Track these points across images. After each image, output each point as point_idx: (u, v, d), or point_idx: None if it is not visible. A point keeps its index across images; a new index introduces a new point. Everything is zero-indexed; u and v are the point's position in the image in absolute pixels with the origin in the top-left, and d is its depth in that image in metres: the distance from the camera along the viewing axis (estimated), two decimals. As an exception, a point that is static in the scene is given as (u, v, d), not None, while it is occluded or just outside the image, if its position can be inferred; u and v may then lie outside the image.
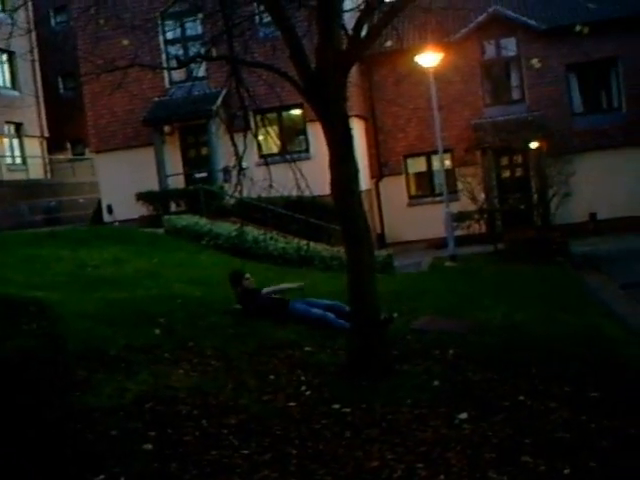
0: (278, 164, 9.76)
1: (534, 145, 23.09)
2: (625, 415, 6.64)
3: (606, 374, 8.01)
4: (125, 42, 13.34)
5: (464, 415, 6.56)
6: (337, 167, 7.74)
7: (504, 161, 25.11)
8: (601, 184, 22.83)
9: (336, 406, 6.72)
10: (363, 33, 8.00)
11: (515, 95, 25.59)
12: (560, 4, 24.06)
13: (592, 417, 6.59)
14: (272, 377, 7.58)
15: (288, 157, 10.45)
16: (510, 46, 25.27)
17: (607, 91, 25.43)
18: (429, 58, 19.86)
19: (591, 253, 19.90)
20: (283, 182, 9.93)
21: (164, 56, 23.23)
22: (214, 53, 11.36)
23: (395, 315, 9.67)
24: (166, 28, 23.29)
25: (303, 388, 7.26)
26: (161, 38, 23.18)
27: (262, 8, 10.71)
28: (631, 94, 24.41)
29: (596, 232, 23.35)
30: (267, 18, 15.40)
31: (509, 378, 7.68)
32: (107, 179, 23.99)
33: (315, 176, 9.68)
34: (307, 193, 9.27)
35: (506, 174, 25.09)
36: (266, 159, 9.65)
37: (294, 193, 9.96)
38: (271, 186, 9.10)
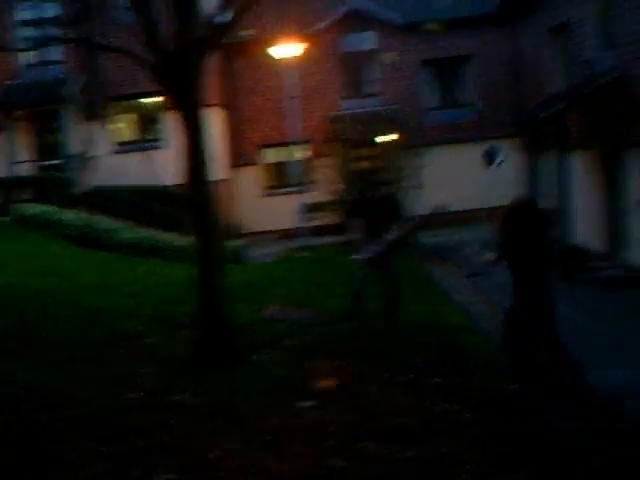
0: (134, 152, 9.55)
1: (389, 138, 23.54)
2: (463, 400, 6.92)
3: (448, 361, 8.31)
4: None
5: (309, 403, 6.64)
6: (191, 156, 7.67)
7: (359, 153, 25.50)
8: (454, 177, 23.51)
9: (181, 397, 6.66)
10: (222, 20, 7.94)
11: (372, 88, 25.98)
12: (416, 0, 24.62)
13: (433, 402, 6.82)
14: (117, 368, 7.44)
15: (143, 146, 10.24)
16: (368, 40, 25.62)
17: (461, 87, 26.22)
18: (288, 49, 19.91)
19: (440, 244, 20.51)
20: (138, 171, 9.74)
21: (18, 37, 22.21)
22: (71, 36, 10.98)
23: None
24: (21, 8, 22.34)
25: (148, 379, 7.15)
26: (14, 18, 22.21)
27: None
28: (484, 90, 25.25)
29: (447, 223, 24.05)
30: (126, 2, 15.12)
31: (355, 366, 7.83)
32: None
33: (172, 165, 9.53)
34: (160, 182, 9.13)
35: (361, 166, 25.49)
36: (121, 147, 9.44)
37: (148, 182, 9.79)
38: (125, 175, 8.90)
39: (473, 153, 23.46)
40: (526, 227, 7.23)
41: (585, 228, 15.62)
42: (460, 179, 23.15)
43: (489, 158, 15.52)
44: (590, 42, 15.07)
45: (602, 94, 13.68)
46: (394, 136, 23.55)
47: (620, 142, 13.81)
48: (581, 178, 15.60)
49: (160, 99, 21.44)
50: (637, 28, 12.64)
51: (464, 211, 22.10)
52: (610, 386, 7.82)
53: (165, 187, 10.25)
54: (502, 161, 13.26)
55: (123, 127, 21.00)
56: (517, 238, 7.21)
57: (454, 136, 24.59)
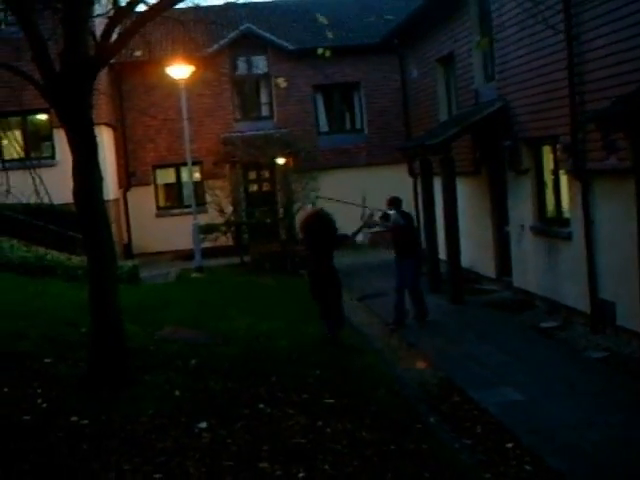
0: (20, 170, 9.33)
1: (281, 161, 23.72)
2: (356, 419, 7.06)
3: (342, 381, 8.46)
4: None
5: (204, 424, 6.64)
6: (80, 175, 7.56)
7: (252, 175, 25.60)
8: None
9: (74, 419, 6.54)
10: (112, 39, 7.89)
11: (264, 112, 26.22)
12: (306, 27, 25.00)
13: (327, 422, 6.93)
14: (6, 390, 7.24)
15: (28, 163, 10.00)
16: (260, 64, 25.86)
17: (351, 113, 26.76)
18: (180, 70, 19.86)
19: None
20: (24, 189, 9.52)
21: None
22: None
23: None
24: None
25: (39, 401, 6.99)
26: None
27: (4, 6, 10.26)
28: (372, 117, 25.88)
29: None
30: (11, 16, 14.76)
31: (250, 387, 7.88)
32: None
33: (61, 183, 9.35)
34: (47, 200, 8.94)
35: (254, 188, 25.60)
36: (4, 164, 9.21)
37: (34, 200, 9.57)
38: (9, 192, 8.68)
39: (361, 177, 23.98)
40: (319, 227, 10.83)
41: (474, 252, 16.14)
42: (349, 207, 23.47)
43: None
44: (475, 73, 15.66)
45: (487, 123, 14.23)
46: (286, 159, 23.76)
47: (504, 169, 14.37)
48: (468, 203, 16.13)
49: (49, 116, 21.15)
50: (517, 62, 13.24)
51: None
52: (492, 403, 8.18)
53: (52, 205, 10.02)
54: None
55: (9, 144, 20.48)
56: (313, 234, 10.88)
57: (344, 161, 25.04)
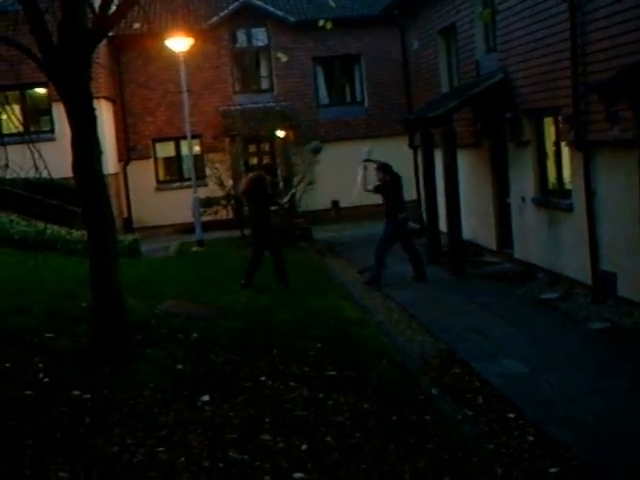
0: (19, 144, 9.26)
1: (281, 134, 23.61)
2: (358, 391, 7.07)
3: (343, 353, 8.47)
4: None
5: (206, 397, 6.65)
6: (80, 149, 7.51)
7: (252, 148, 25.50)
8: (344, 173, 23.78)
9: (75, 392, 6.53)
10: (110, 11, 7.80)
11: (264, 85, 26.07)
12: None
13: (329, 394, 6.95)
14: (7, 365, 7.25)
15: (27, 137, 9.92)
16: (260, 36, 25.70)
17: (351, 85, 26.61)
18: (179, 43, 19.71)
19: (333, 239, 20.79)
20: (22, 163, 9.46)
21: None
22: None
23: None
24: None
25: (41, 375, 6.99)
26: None
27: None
28: (372, 89, 25.74)
29: (338, 219, 24.39)
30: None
31: (251, 360, 7.88)
32: None
33: (60, 157, 9.32)
34: (46, 174, 8.88)
35: (254, 161, 25.48)
36: (3, 139, 9.14)
37: (33, 175, 9.50)
38: (7, 166, 8.62)
39: (360, 150, 23.89)
40: (258, 189, 12.68)
41: (475, 224, 16.12)
42: (350, 176, 23.42)
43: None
44: (477, 45, 15.54)
45: (489, 94, 14.14)
46: (286, 132, 23.66)
47: (505, 141, 14.31)
48: (469, 175, 16.09)
49: (47, 90, 21.03)
50: (519, 33, 13.13)
51: (353, 207, 22.38)
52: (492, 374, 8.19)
53: (52, 179, 9.96)
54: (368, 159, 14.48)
55: (6, 119, 20.36)
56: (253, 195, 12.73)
57: (344, 133, 24.94)
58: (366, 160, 14.24)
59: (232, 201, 21.41)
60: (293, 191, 16.36)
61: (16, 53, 7.99)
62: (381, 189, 14.08)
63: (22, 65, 9.36)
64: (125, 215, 24.53)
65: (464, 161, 15.79)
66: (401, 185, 14.07)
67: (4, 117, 19.72)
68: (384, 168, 14.01)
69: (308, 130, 23.91)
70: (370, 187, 14.31)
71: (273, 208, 13.05)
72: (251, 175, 13.69)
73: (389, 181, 13.86)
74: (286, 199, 14.75)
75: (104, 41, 20.48)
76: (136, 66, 24.46)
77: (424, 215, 16.43)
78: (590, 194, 11.16)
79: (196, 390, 6.79)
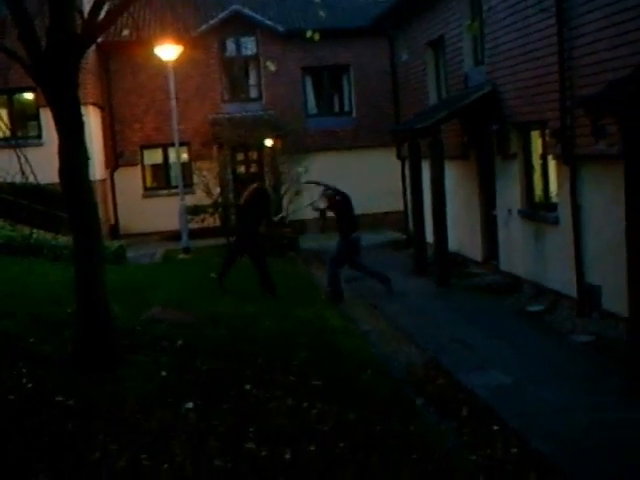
0: (6, 149, 9.24)
1: (269, 143, 23.63)
2: (342, 401, 7.07)
3: (328, 363, 8.46)
4: None
5: (190, 404, 6.63)
6: (67, 154, 7.50)
7: (240, 157, 25.47)
8: (331, 183, 23.82)
9: (59, 398, 6.51)
10: (99, 18, 7.80)
11: (253, 93, 26.09)
12: (296, 8, 24.90)
13: (313, 404, 6.94)
14: (-10, 371, 7.21)
15: (14, 142, 9.90)
16: (249, 45, 25.72)
17: (340, 95, 26.66)
18: (168, 50, 19.73)
19: (319, 249, 20.76)
20: (9, 168, 9.44)
21: None
22: None
23: None
24: None
25: (24, 380, 6.96)
26: None
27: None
28: (361, 100, 25.79)
29: (324, 229, 24.38)
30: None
31: (236, 368, 7.86)
32: None
33: (47, 163, 9.29)
34: (33, 179, 8.87)
35: (241, 170, 25.48)
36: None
37: (20, 179, 9.49)
38: (-5, 171, 8.60)
39: (348, 160, 23.96)
40: (259, 201, 13.22)
41: (461, 235, 16.16)
42: (336, 185, 23.45)
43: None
44: (465, 57, 15.62)
45: (476, 107, 14.21)
46: (274, 141, 23.67)
47: (492, 153, 14.37)
48: (456, 187, 16.13)
49: (35, 95, 20.98)
50: (507, 46, 13.21)
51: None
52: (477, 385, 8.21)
53: (39, 185, 9.94)
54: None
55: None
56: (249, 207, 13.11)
57: (332, 143, 24.97)
58: (307, 182, 14.56)
59: (219, 209, 21.39)
60: (283, 214, 17.10)
61: (4, 58, 7.97)
62: (332, 208, 14.20)
63: (10, 70, 9.35)
64: (112, 222, 24.46)
65: (451, 173, 15.84)
66: (351, 204, 14.03)
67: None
68: (330, 192, 14.12)
69: (296, 139, 23.92)
70: (322, 206, 14.51)
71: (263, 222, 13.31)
72: (254, 186, 13.72)
73: (340, 200, 13.87)
74: (276, 219, 15.27)
75: (93, 47, 20.45)
76: (125, 73, 24.44)
77: (411, 226, 16.43)
78: (576, 207, 11.21)
79: (180, 397, 6.78)
